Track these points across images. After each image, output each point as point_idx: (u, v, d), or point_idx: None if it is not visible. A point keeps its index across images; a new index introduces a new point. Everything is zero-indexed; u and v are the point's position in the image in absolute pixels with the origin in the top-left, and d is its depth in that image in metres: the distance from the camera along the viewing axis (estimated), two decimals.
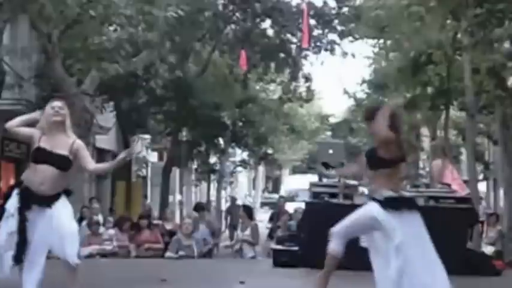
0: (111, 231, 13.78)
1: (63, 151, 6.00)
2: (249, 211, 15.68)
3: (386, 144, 5.74)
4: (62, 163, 5.97)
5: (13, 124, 6.12)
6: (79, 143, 6.16)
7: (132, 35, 14.11)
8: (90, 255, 12.89)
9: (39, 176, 5.90)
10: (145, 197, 25.65)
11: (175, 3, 14.65)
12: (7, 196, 6.01)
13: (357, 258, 9.10)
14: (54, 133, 6.03)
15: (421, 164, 29.06)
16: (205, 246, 13.86)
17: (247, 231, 14.75)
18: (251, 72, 23.74)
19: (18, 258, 5.82)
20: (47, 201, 5.88)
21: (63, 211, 5.92)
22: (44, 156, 5.93)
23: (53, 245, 5.79)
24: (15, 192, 5.96)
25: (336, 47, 22.83)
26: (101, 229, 13.93)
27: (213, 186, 34.51)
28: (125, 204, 21.92)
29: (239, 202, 26.67)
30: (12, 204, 5.91)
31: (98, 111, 17.52)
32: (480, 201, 16.72)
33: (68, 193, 6.05)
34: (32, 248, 5.82)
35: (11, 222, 5.87)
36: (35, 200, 5.87)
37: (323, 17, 22.22)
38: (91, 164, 6.20)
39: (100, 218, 14.85)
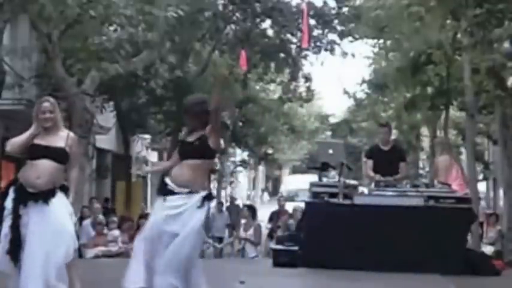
0: (116, 232, 13.74)
1: (60, 144, 6.00)
2: (252, 211, 15.73)
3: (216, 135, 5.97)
4: (60, 156, 5.97)
5: (13, 149, 6.03)
6: (73, 137, 6.16)
7: (132, 35, 14.11)
8: (96, 257, 12.89)
9: (37, 170, 5.88)
10: (145, 200, 25.67)
11: (175, 3, 14.64)
12: (5, 194, 5.99)
13: (360, 258, 9.16)
14: (47, 132, 6.03)
15: (421, 164, 29.07)
16: (204, 245, 13.89)
17: (251, 231, 14.79)
18: (251, 72, 23.74)
19: (15, 256, 5.79)
20: (43, 197, 5.86)
21: (60, 210, 5.90)
22: (41, 151, 5.92)
23: (47, 243, 5.75)
24: (11, 189, 5.95)
25: (336, 47, 22.86)
26: (105, 230, 13.91)
27: (213, 186, 34.49)
28: (125, 204, 21.93)
29: (238, 202, 26.69)
30: (9, 204, 5.90)
31: (98, 111, 17.53)
32: (479, 202, 16.73)
33: (64, 189, 6.03)
34: (27, 245, 5.78)
35: (8, 220, 5.88)
36: (30, 197, 5.86)
37: (323, 17, 22.22)
38: (72, 168, 6.15)
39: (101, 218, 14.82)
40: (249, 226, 14.95)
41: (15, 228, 5.81)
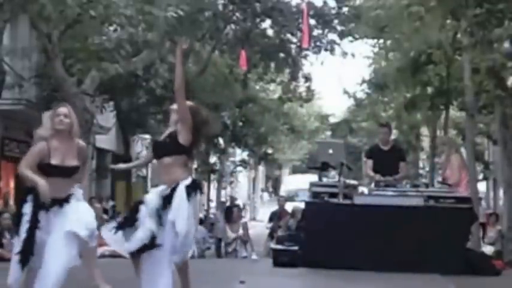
0: None
1: (73, 161, 5.99)
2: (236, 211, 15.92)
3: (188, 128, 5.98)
4: (74, 173, 6.02)
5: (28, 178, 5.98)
6: (83, 147, 6.17)
7: (132, 35, 14.10)
8: (102, 256, 12.86)
9: (53, 185, 5.85)
10: None
11: (175, 3, 14.64)
12: (22, 202, 5.98)
13: (360, 258, 9.16)
14: (61, 140, 5.98)
15: (421, 164, 29.07)
16: (204, 245, 13.91)
17: (240, 230, 14.88)
18: (251, 72, 23.73)
19: (25, 258, 5.79)
20: (65, 200, 5.94)
21: (80, 203, 6.05)
22: (56, 172, 5.91)
23: (67, 229, 5.79)
24: (30, 199, 5.91)
25: (336, 47, 22.82)
26: None
27: (213, 186, 34.51)
28: (125, 204, 21.91)
29: (239, 202, 26.69)
30: (29, 210, 5.88)
31: (98, 111, 17.55)
32: (480, 202, 16.73)
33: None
34: (47, 248, 5.79)
35: (26, 224, 5.87)
36: (52, 203, 5.88)
37: (323, 17, 22.20)
38: (83, 170, 6.21)
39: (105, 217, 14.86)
40: (238, 226, 15.05)
41: (32, 231, 5.80)
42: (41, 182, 5.74)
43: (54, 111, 6.06)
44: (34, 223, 5.82)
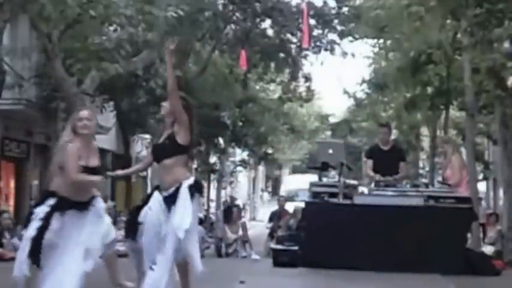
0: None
1: (96, 161, 6.12)
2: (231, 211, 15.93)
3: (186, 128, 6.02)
4: (97, 172, 6.12)
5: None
6: (97, 147, 6.28)
7: (132, 35, 14.11)
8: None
9: (78, 186, 5.98)
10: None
11: (175, 3, 14.63)
12: (38, 203, 6.08)
13: (360, 258, 9.16)
14: (82, 142, 6.08)
15: (421, 164, 29.06)
16: (203, 245, 13.90)
17: (240, 231, 14.87)
18: (251, 72, 23.73)
19: (36, 257, 5.82)
20: (85, 205, 6.05)
21: (100, 219, 6.15)
22: (83, 173, 6.01)
23: (83, 245, 5.91)
24: (49, 202, 5.96)
25: (336, 47, 22.82)
26: None
27: (213, 186, 34.50)
28: (125, 204, 21.92)
29: (239, 202, 26.71)
30: (43, 210, 5.95)
31: (97, 111, 17.53)
32: (480, 202, 16.73)
33: None
34: (62, 252, 5.87)
35: (35, 225, 5.91)
36: (73, 206, 5.98)
37: (323, 17, 22.19)
38: None
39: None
40: (238, 226, 15.04)
41: (42, 231, 5.85)
42: (97, 179, 6.02)
43: (76, 116, 6.15)
44: (46, 224, 5.87)
